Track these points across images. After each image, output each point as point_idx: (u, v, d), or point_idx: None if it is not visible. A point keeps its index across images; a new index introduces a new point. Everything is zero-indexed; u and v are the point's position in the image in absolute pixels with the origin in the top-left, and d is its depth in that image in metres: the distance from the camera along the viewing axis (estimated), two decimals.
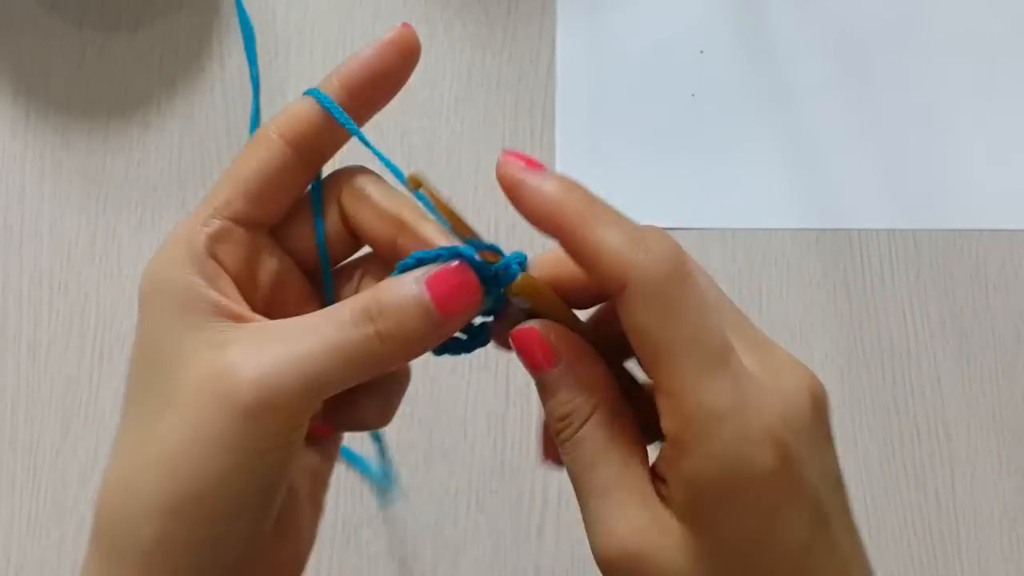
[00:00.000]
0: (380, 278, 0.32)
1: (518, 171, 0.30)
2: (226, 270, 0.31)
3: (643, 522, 0.29)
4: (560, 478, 0.53)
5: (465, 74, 0.60)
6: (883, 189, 0.58)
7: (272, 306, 0.32)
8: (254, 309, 0.31)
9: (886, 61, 0.60)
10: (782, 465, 0.27)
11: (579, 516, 0.53)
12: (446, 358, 0.33)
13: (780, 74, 0.60)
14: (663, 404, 0.28)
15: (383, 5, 0.61)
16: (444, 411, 0.54)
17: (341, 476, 0.54)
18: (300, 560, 0.33)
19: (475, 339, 0.33)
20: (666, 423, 0.28)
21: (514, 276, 0.30)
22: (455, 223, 0.31)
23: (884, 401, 0.55)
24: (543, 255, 0.32)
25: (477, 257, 0.30)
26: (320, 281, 0.34)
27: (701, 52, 0.60)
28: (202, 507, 0.28)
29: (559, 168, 0.58)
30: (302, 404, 0.29)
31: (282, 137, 0.31)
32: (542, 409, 0.31)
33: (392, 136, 0.58)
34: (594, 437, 0.30)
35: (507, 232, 0.57)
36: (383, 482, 0.52)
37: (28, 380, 0.55)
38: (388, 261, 0.32)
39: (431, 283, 0.29)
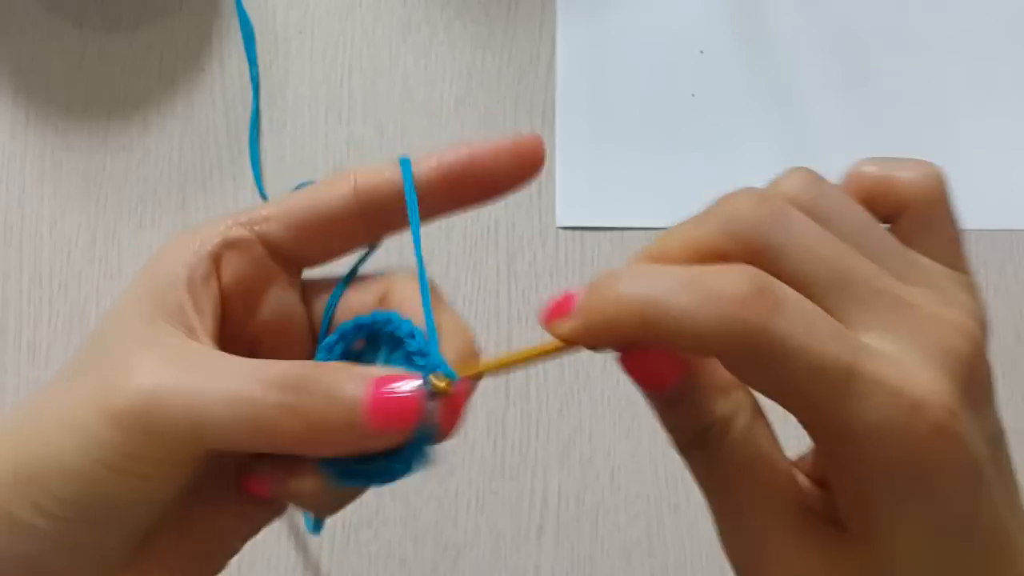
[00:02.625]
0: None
1: (565, 326, 0.26)
2: (220, 278, 0.28)
3: (809, 544, 0.26)
4: (561, 478, 0.54)
5: (465, 74, 0.60)
6: None
7: (259, 346, 0.30)
8: (239, 337, 0.29)
9: (886, 61, 0.60)
10: (938, 454, 0.24)
11: (578, 515, 0.53)
12: None
13: (780, 74, 0.60)
14: (804, 427, 0.25)
15: (383, 6, 0.61)
16: None
17: None
18: None
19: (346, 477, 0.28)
20: (812, 437, 0.26)
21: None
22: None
23: None
24: None
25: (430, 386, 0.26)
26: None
27: (701, 52, 0.60)
28: (38, 485, 0.26)
29: (559, 169, 0.58)
30: (178, 443, 0.25)
31: (354, 185, 0.29)
32: (659, 420, 0.28)
33: (392, 136, 0.59)
34: (738, 451, 0.27)
35: (507, 232, 0.57)
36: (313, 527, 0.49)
37: (29, 380, 0.55)
38: None
39: (378, 389, 0.26)
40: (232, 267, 0.28)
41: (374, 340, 0.29)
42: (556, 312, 0.26)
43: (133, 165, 0.58)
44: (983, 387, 0.27)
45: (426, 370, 0.26)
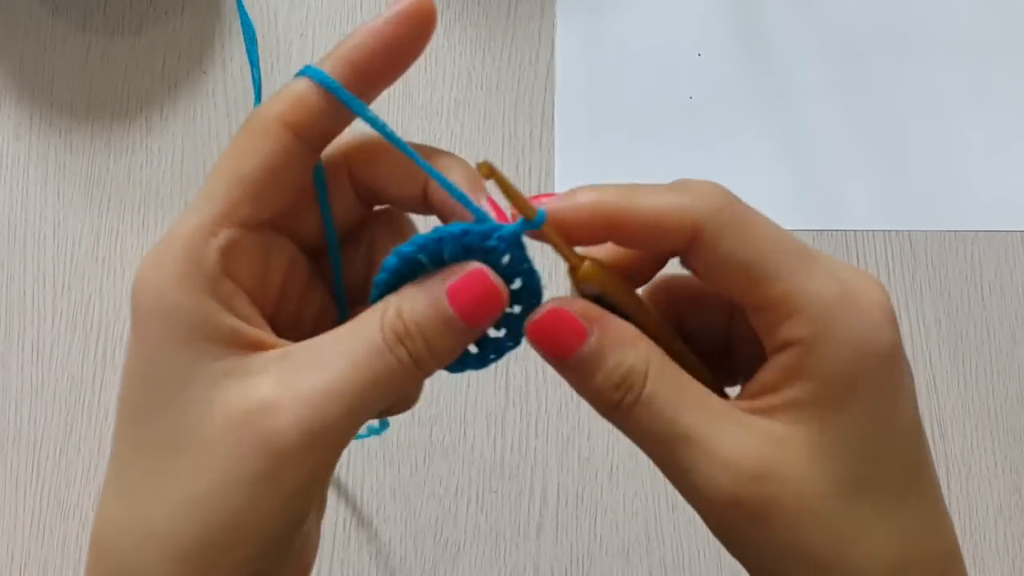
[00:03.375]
0: (390, 236, 0.31)
1: (552, 202, 0.29)
2: (241, 286, 0.28)
3: (758, 442, 0.27)
4: (560, 477, 0.54)
5: (465, 76, 0.60)
6: (879, 191, 0.59)
7: (282, 302, 0.30)
8: (266, 313, 0.29)
9: (882, 64, 0.61)
10: (898, 340, 0.27)
11: (577, 513, 0.53)
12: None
13: (777, 77, 0.60)
14: (769, 319, 0.27)
15: (384, 9, 0.61)
16: (444, 410, 0.55)
17: (341, 474, 0.54)
18: (308, 569, 0.32)
19: (486, 350, 0.30)
20: (778, 334, 0.27)
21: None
22: (521, 205, 0.29)
23: None
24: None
25: (485, 230, 0.28)
26: (325, 259, 0.31)
27: (699, 55, 0.61)
28: (232, 551, 0.26)
29: (559, 171, 0.58)
30: (345, 439, 0.27)
31: (287, 126, 0.28)
32: (578, 392, 0.29)
33: None
34: (664, 387, 0.28)
35: None
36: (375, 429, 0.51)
37: (32, 380, 0.56)
38: (407, 215, 0.31)
39: (453, 294, 0.27)
40: (243, 271, 0.28)
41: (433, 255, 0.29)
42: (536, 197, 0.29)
43: (136, 167, 0.59)
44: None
45: (500, 243, 0.28)
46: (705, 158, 0.59)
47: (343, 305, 0.32)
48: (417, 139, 0.59)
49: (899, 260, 0.57)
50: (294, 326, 0.30)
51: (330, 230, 0.30)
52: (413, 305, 0.27)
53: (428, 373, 0.28)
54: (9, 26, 0.60)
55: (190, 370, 0.26)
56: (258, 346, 0.27)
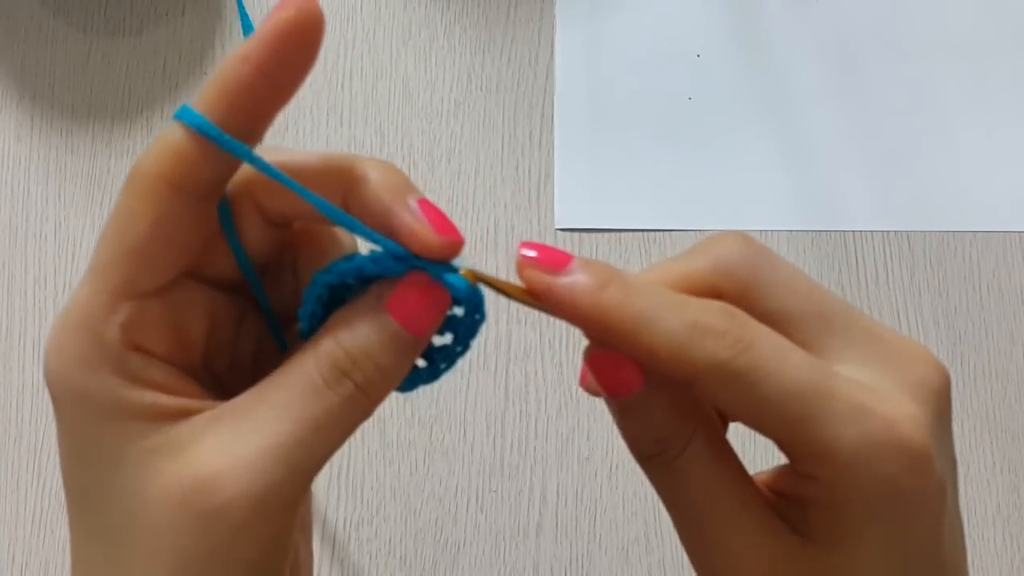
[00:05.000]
0: (316, 252, 0.28)
1: (544, 277, 0.26)
2: (154, 355, 0.26)
3: (771, 552, 0.27)
4: (559, 476, 0.54)
5: (465, 78, 0.60)
6: (878, 191, 0.59)
7: (212, 349, 0.28)
8: (193, 368, 0.27)
9: (881, 65, 0.61)
10: (916, 477, 0.26)
11: (577, 513, 0.54)
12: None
13: (776, 78, 0.61)
14: (784, 450, 0.26)
15: (384, 10, 0.61)
16: (444, 410, 0.55)
17: (341, 474, 0.54)
18: None
19: (436, 362, 0.29)
20: (795, 463, 0.26)
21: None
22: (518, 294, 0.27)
23: None
24: None
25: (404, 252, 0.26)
26: (248, 292, 0.29)
27: (698, 56, 0.61)
28: None
29: (558, 171, 0.58)
30: (298, 494, 0.25)
31: (169, 185, 0.25)
32: (618, 429, 0.28)
33: (392, 139, 0.59)
34: (700, 462, 0.27)
35: (506, 233, 0.57)
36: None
37: (34, 380, 0.56)
38: (329, 228, 0.28)
39: (393, 306, 0.25)
40: (153, 339, 0.26)
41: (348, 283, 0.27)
42: (543, 262, 0.26)
43: None
44: (949, 418, 0.28)
45: (402, 262, 0.26)
46: (704, 158, 0.59)
47: (281, 338, 0.30)
48: (417, 141, 0.59)
49: (897, 260, 0.58)
50: (234, 364, 0.29)
51: (249, 272, 0.28)
52: (354, 331, 0.25)
53: (379, 400, 0.26)
54: (10, 27, 0.61)
55: (117, 452, 0.25)
56: (184, 413, 0.26)
